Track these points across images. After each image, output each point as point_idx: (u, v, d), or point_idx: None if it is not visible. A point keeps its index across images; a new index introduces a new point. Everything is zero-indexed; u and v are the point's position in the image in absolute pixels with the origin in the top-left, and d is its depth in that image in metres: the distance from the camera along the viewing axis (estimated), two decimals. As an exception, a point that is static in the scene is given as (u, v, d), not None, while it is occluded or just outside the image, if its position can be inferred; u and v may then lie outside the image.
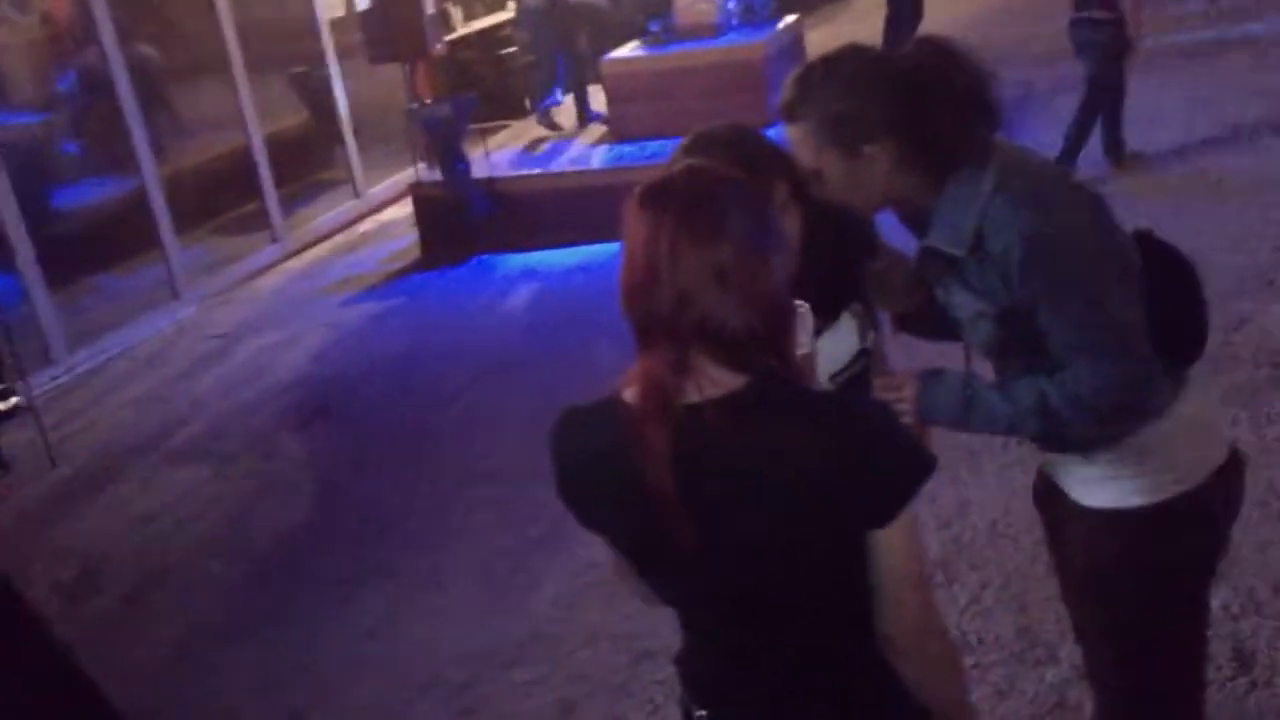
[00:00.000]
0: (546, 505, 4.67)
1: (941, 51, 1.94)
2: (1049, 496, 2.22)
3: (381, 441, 5.71)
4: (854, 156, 1.91)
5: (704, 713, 1.76)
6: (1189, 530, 2.07)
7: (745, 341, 1.55)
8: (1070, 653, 3.22)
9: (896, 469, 1.58)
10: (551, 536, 4.49)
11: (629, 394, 1.61)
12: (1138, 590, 2.08)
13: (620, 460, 1.59)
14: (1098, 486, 2.07)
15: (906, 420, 2.00)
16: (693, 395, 1.56)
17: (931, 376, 2.03)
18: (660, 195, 1.59)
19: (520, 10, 9.88)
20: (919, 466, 1.60)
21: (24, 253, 7.24)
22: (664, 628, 3.83)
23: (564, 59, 9.36)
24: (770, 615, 1.64)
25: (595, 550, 4.15)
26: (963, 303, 1.97)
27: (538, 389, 5.93)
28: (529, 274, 7.91)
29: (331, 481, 5.37)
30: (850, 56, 1.97)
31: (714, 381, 1.56)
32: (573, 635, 3.88)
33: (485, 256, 8.26)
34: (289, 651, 4.12)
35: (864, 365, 2.30)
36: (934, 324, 2.18)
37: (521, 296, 7.51)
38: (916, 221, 2.03)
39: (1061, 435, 1.99)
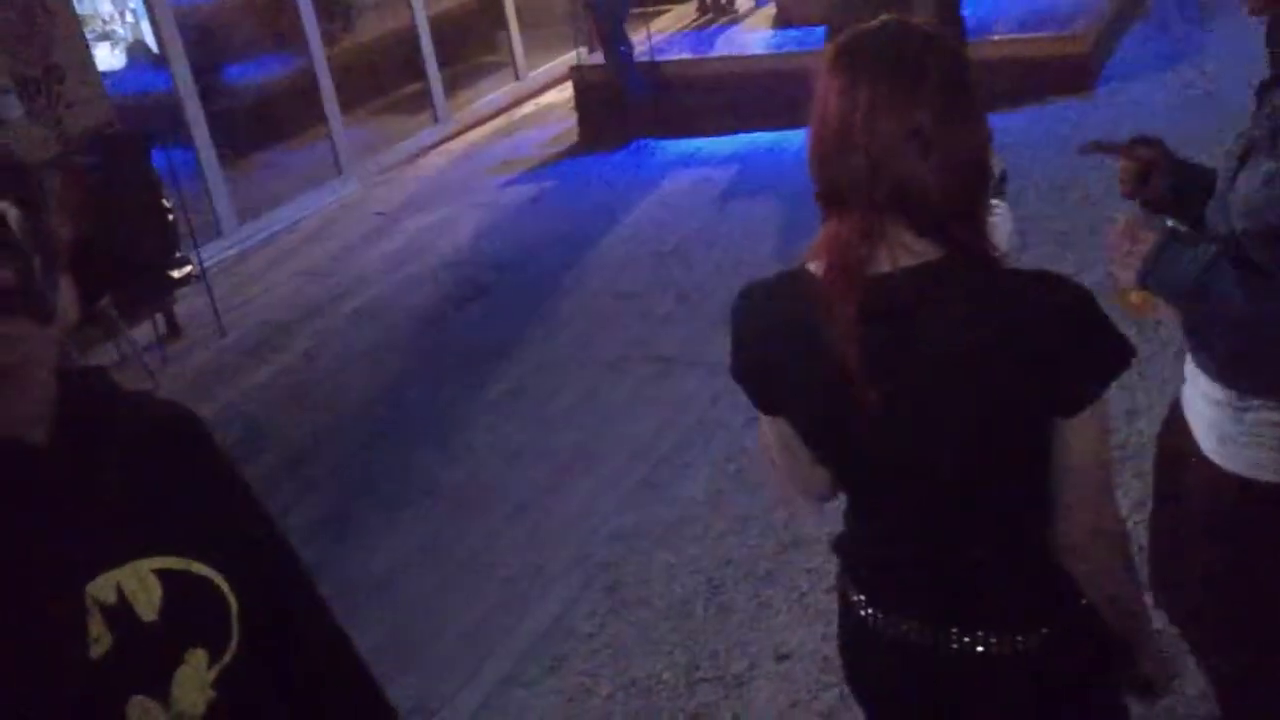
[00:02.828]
0: (703, 389, 4.72)
1: None
2: (1177, 435, 2.01)
3: (538, 321, 5.73)
4: None
5: (862, 597, 1.71)
6: None
7: (942, 209, 1.46)
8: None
9: (1093, 355, 1.49)
10: (706, 421, 4.46)
11: (814, 265, 1.54)
12: (1249, 557, 1.93)
13: (805, 331, 1.52)
14: (1238, 449, 1.88)
15: (1127, 274, 1.80)
16: (884, 265, 1.48)
17: (1177, 236, 1.78)
18: (855, 53, 1.50)
19: None
20: (1117, 355, 1.50)
21: (198, 128, 7.43)
22: (811, 518, 3.81)
23: None
24: (945, 498, 1.57)
25: (747, 437, 4.14)
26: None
27: (694, 273, 5.89)
28: (687, 159, 7.80)
29: (487, 358, 5.42)
30: None
31: (908, 250, 1.48)
32: (721, 520, 3.86)
33: (644, 141, 8.17)
34: (443, 524, 4.20)
35: None
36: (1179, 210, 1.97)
37: (680, 182, 7.42)
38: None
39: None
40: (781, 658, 3.22)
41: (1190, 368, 1.97)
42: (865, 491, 1.68)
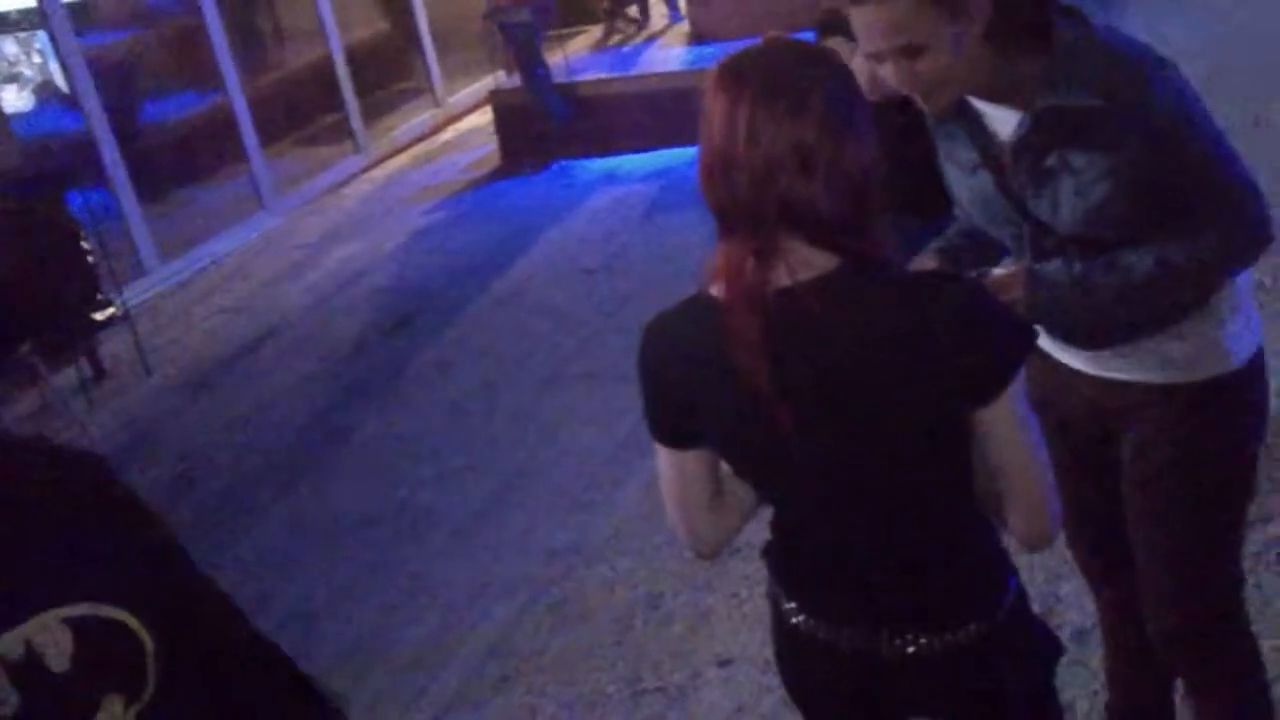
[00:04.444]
0: (633, 404, 4.65)
1: None
2: (1107, 398, 2.09)
3: (467, 345, 5.76)
4: (959, 16, 1.72)
5: (794, 604, 1.73)
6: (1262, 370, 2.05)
7: (832, 223, 1.48)
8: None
9: (997, 343, 1.53)
10: (637, 436, 4.49)
11: (715, 288, 1.54)
12: (1234, 448, 2.04)
13: (714, 356, 1.53)
14: (1201, 357, 1.98)
15: None
16: (783, 279, 1.49)
17: (1036, 269, 1.91)
18: (739, 70, 1.51)
19: None
20: (1021, 339, 1.56)
21: (116, 167, 7.37)
22: (748, 525, 3.85)
23: None
24: (869, 503, 1.60)
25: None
26: (1085, 165, 1.82)
27: (620, 289, 5.95)
28: (609, 179, 7.87)
29: (418, 385, 5.43)
30: None
31: (806, 263, 1.49)
32: (658, 532, 3.89)
33: (565, 162, 8.24)
34: (383, 551, 4.20)
35: None
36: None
37: (602, 200, 7.48)
38: (1001, 95, 1.88)
39: (1170, 302, 1.91)
40: (723, 664, 3.26)
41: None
42: (791, 503, 1.69)
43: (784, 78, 1.49)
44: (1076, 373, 2.10)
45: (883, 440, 1.54)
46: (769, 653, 3.23)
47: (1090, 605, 3.15)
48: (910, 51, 1.74)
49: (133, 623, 1.33)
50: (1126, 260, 1.85)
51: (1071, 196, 1.85)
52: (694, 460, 1.69)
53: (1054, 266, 1.89)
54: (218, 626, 1.51)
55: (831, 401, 1.52)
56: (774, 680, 3.16)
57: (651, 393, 1.67)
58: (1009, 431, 1.55)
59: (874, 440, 1.54)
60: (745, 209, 1.49)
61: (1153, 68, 1.79)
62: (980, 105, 1.92)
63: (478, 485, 4.49)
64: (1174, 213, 1.83)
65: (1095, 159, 1.80)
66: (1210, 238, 1.83)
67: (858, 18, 1.74)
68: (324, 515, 4.51)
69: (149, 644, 1.33)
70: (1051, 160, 1.85)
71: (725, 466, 1.72)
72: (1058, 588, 3.23)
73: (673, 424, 1.67)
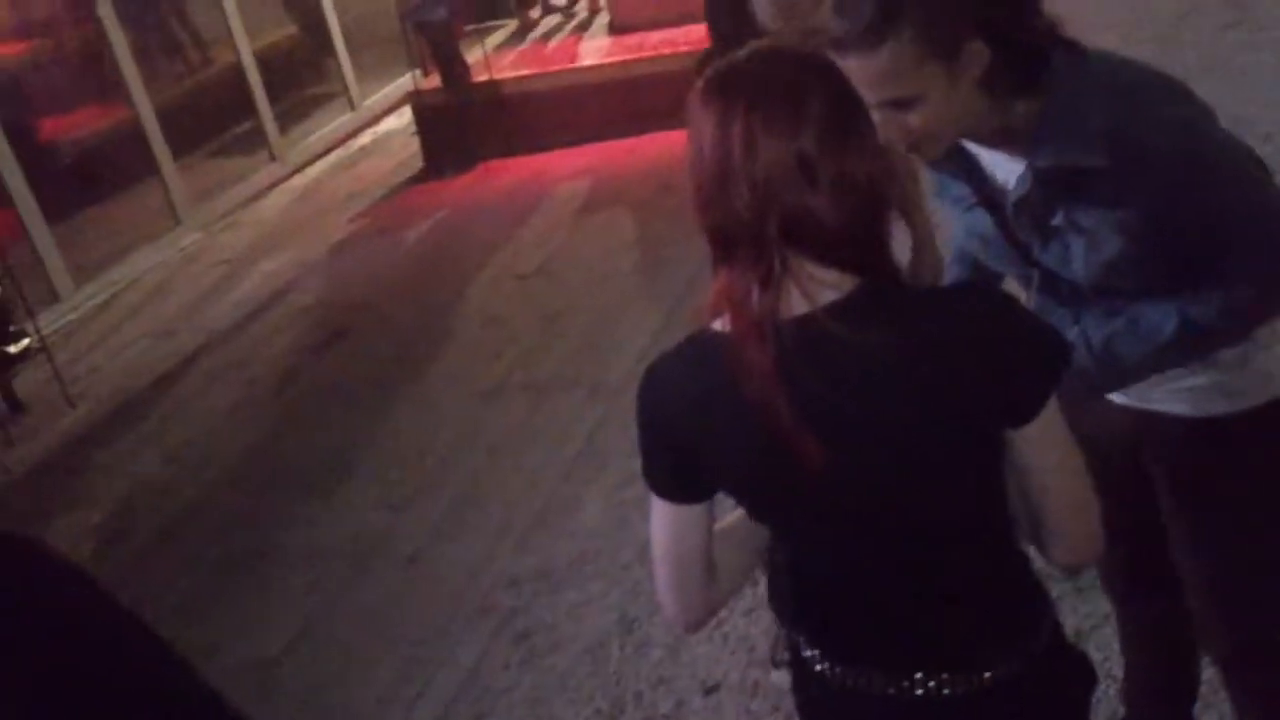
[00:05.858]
0: (584, 414, 4.62)
1: None
2: (1137, 429, 1.97)
3: (403, 359, 5.56)
4: (955, 60, 1.59)
5: (817, 651, 1.62)
6: None
7: (841, 238, 1.38)
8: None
9: (1034, 359, 1.42)
10: (592, 448, 4.36)
11: (719, 323, 1.43)
12: (1267, 481, 1.91)
13: (723, 396, 1.42)
14: (1243, 387, 1.85)
15: None
16: (801, 305, 1.39)
17: None
18: (728, 82, 1.40)
19: None
20: (1057, 353, 1.45)
21: (19, 189, 7.03)
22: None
23: None
24: (900, 539, 1.50)
25: (638, 461, 4.05)
26: (1094, 224, 1.69)
27: (560, 294, 5.78)
28: (538, 178, 7.69)
29: (355, 406, 5.22)
30: None
31: (818, 282, 1.39)
32: (625, 550, 3.76)
33: (491, 163, 8.04)
34: (334, 589, 4.01)
35: None
36: None
37: (532, 201, 7.30)
38: (996, 141, 1.76)
39: (1204, 350, 1.79)
40: (709, 691, 3.13)
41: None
42: (813, 543, 1.58)
43: (778, 86, 1.38)
44: (1105, 401, 1.96)
45: (915, 468, 1.44)
46: (754, 675, 3.13)
47: (1084, 607, 3.09)
48: (901, 104, 1.62)
49: None
50: (1149, 323, 1.73)
51: (1083, 251, 1.73)
52: (695, 517, 1.56)
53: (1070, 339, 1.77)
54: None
55: (858, 429, 1.41)
56: (763, 705, 3.05)
57: (653, 443, 1.54)
58: (1051, 450, 1.46)
59: (906, 469, 1.44)
60: (746, 228, 1.38)
61: (1155, 105, 1.65)
62: (973, 147, 1.81)
63: (428, 511, 4.31)
64: (1198, 262, 1.69)
65: (1104, 217, 1.69)
66: (1241, 289, 1.69)
67: (843, 66, 1.58)
68: (270, 551, 4.30)
69: None
70: (1057, 220, 1.74)
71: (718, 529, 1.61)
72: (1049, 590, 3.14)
73: (678, 475, 1.55)
